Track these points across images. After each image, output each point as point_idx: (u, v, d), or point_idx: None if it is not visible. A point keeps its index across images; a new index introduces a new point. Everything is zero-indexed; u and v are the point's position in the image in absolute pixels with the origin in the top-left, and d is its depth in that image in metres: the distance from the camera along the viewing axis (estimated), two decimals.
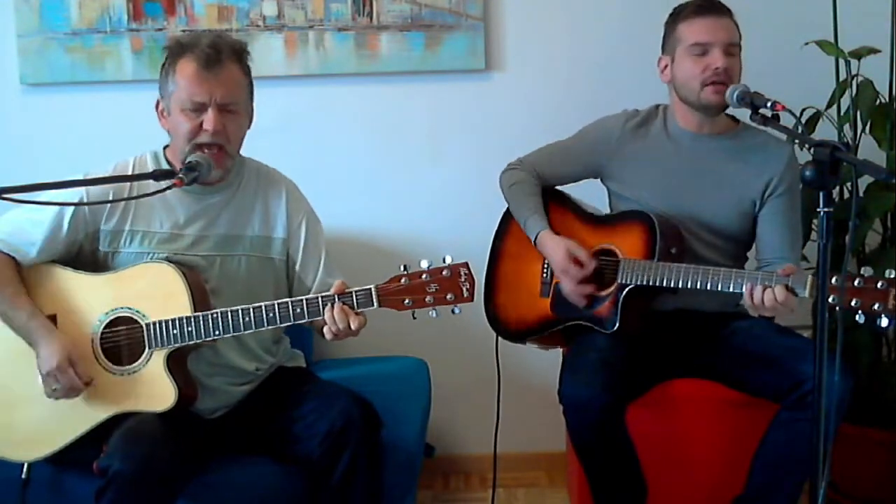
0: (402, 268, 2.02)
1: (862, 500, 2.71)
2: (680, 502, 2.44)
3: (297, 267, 2.27)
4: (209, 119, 2.08)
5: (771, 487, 2.24)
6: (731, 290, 2.19)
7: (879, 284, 1.92)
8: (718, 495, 2.35)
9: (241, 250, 2.22)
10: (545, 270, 2.49)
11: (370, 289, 2.02)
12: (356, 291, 2.02)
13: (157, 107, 2.19)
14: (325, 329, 2.04)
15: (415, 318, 2.03)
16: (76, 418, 2.10)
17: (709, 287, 2.21)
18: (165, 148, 2.24)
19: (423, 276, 2.00)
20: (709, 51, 2.30)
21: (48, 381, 2.06)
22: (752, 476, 2.26)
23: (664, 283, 2.25)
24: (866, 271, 1.94)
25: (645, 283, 2.28)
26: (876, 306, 1.92)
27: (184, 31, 2.89)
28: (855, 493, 2.71)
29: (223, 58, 2.09)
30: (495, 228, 2.63)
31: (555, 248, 2.40)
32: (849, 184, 2.65)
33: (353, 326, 2.01)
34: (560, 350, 2.58)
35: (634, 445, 2.29)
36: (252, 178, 2.28)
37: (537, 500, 2.99)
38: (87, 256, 2.20)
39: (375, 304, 2.02)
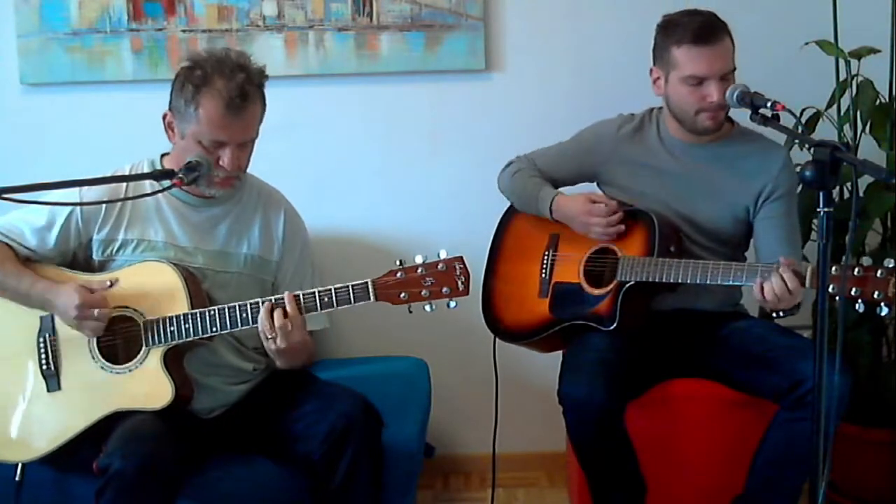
0: (397, 262, 2.03)
1: (862, 500, 2.71)
2: (679, 502, 2.44)
3: (280, 290, 2.25)
4: (228, 159, 2.07)
5: (771, 487, 2.24)
6: (730, 282, 2.19)
7: (879, 273, 1.92)
8: (718, 495, 2.35)
9: (234, 268, 2.22)
10: (543, 270, 2.49)
11: (367, 282, 2.03)
12: (352, 285, 2.03)
13: (164, 118, 2.14)
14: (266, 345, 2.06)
15: (411, 311, 2.03)
16: (72, 417, 2.10)
17: (708, 281, 2.21)
18: (163, 156, 2.23)
19: (419, 269, 2.01)
20: (704, 82, 2.28)
21: (81, 318, 2.04)
22: (752, 476, 2.26)
23: (663, 279, 2.25)
24: (866, 261, 1.94)
25: (644, 279, 2.28)
26: (876, 294, 1.92)
27: (184, 31, 2.89)
28: (855, 493, 2.71)
29: (249, 101, 2.06)
30: (493, 231, 2.63)
31: (573, 201, 2.40)
32: (849, 184, 2.65)
33: (277, 323, 2.02)
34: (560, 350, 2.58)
35: (633, 445, 2.28)
36: (253, 194, 2.28)
37: (537, 500, 2.99)
38: (81, 264, 2.20)
39: (372, 297, 2.02)
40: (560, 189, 2.51)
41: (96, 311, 2.04)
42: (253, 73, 2.09)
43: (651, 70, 2.42)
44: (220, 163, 2.08)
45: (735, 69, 2.32)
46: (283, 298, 2.05)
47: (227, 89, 2.03)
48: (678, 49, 2.30)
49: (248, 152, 2.15)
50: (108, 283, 2.10)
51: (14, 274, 2.11)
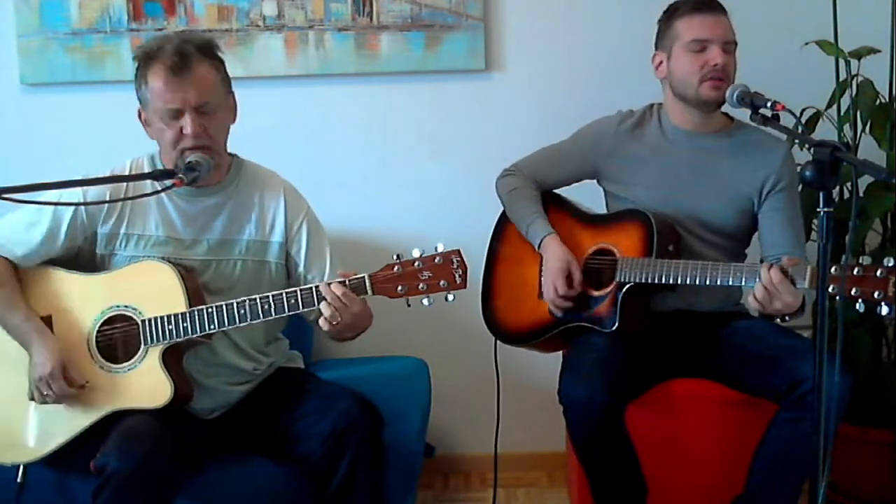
0: (395, 256, 2.03)
1: (862, 500, 2.71)
2: (680, 502, 2.44)
3: (301, 269, 2.26)
4: (188, 123, 2.07)
5: (770, 487, 2.24)
6: (729, 283, 2.18)
7: (879, 272, 1.91)
8: (718, 495, 2.35)
9: (236, 254, 2.22)
10: (542, 272, 2.49)
11: (364, 277, 2.03)
12: (350, 279, 2.03)
13: (139, 116, 2.17)
14: (321, 321, 2.04)
15: (409, 305, 2.03)
16: (72, 417, 2.10)
17: (707, 282, 2.21)
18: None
19: (416, 263, 2.01)
20: (707, 47, 2.30)
21: (40, 387, 2.06)
22: (752, 476, 2.26)
23: (662, 280, 2.25)
24: (865, 260, 1.94)
25: (643, 280, 2.28)
26: (876, 294, 1.91)
27: (184, 31, 2.89)
28: (855, 493, 2.71)
29: (191, 61, 2.07)
30: (491, 233, 2.63)
31: (557, 256, 2.39)
32: (849, 184, 2.65)
33: (349, 305, 2.01)
34: (562, 350, 2.58)
35: (634, 445, 2.29)
36: (249, 180, 2.27)
37: (537, 500, 2.99)
38: (86, 257, 2.21)
39: (369, 291, 2.02)
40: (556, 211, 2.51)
41: (50, 393, 2.05)
42: (191, 37, 2.13)
43: (654, 56, 2.43)
44: (184, 132, 2.08)
45: (736, 44, 2.34)
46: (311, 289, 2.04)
47: (166, 55, 2.06)
48: (680, 20, 2.35)
49: (215, 122, 2.12)
50: (83, 385, 2.09)
51: (6, 303, 2.12)
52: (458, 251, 2.02)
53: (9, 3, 2.90)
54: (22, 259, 2.16)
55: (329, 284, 2.02)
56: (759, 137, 2.41)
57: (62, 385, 2.05)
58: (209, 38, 2.18)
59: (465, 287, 2.02)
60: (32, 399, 2.10)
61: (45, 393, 2.06)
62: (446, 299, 2.02)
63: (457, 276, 2.00)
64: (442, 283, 2.00)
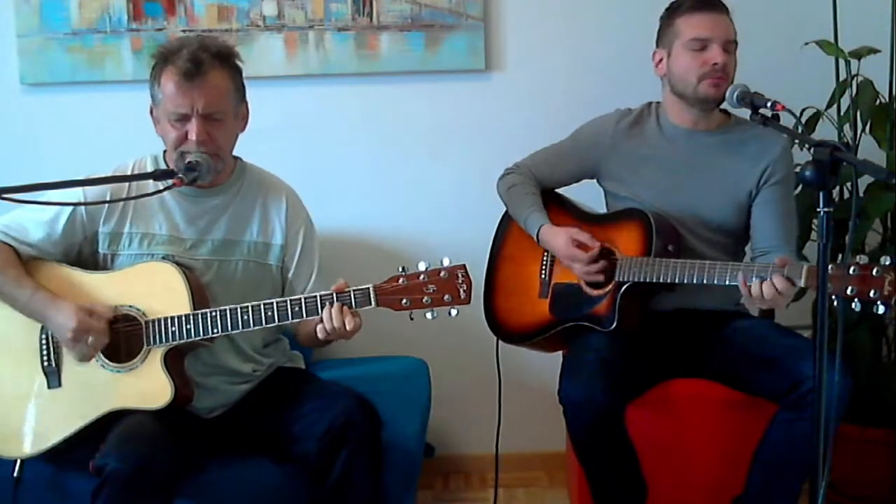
0: (400, 269, 2.03)
1: (862, 500, 2.71)
2: (680, 502, 2.44)
3: (290, 274, 2.27)
4: (193, 129, 2.08)
5: (770, 487, 2.24)
6: (727, 283, 2.18)
7: (875, 271, 1.90)
8: (718, 495, 2.35)
9: (238, 255, 2.23)
10: (543, 270, 2.50)
11: (368, 288, 2.03)
12: (354, 290, 2.03)
13: (151, 112, 2.18)
14: (319, 328, 2.04)
15: (412, 318, 2.03)
16: (72, 415, 2.10)
17: (705, 281, 2.21)
18: (165, 151, 2.24)
19: (421, 276, 2.01)
20: (708, 46, 2.31)
21: (79, 340, 2.04)
22: (752, 476, 2.26)
23: (661, 279, 2.25)
24: (861, 259, 1.93)
25: (642, 279, 2.28)
26: (872, 293, 1.90)
27: (184, 31, 2.89)
28: (855, 493, 2.71)
29: (204, 68, 2.07)
30: (493, 232, 2.63)
31: (556, 238, 2.41)
32: (849, 184, 2.65)
33: (348, 327, 2.02)
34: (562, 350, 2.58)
35: (634, 445, 2.29)
36: (253, 183, 2.28)
37: (537, 500, 2.99)
38: (88, 258, 2.21)
39: (373, 303, 2.03)
40: (554, 201, 2.53)
41: (90, 338, 2.05)
42: (210, 45, 2.12)
43: (654, 53, 2.43)
44: (189, 137, 2.08)
45: (737, 45, 2.34)
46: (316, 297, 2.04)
47: (181, 59, 2.07)
48: (681, 18, 2.35)
49: (221, 130, 2.13)
50: (112, 316, 2.09)
51: (14, 281, 2.11)
52: (464, 266, 2.02)
53: (9, 3, 2.90)
54: (25, 248, 2.16)
55: (330, 305, 2.02)
56: (757, 132, 2.40)
57: (97, 326, 2.04)
58: (229, 46, 2.17)
59: (468, 302, 2.02)
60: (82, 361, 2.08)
61: (88, 342, 2.04)
62: (449, 314, 2.02)
63: (461, 290, 2.01)
64: (446, 297, 2.01)
